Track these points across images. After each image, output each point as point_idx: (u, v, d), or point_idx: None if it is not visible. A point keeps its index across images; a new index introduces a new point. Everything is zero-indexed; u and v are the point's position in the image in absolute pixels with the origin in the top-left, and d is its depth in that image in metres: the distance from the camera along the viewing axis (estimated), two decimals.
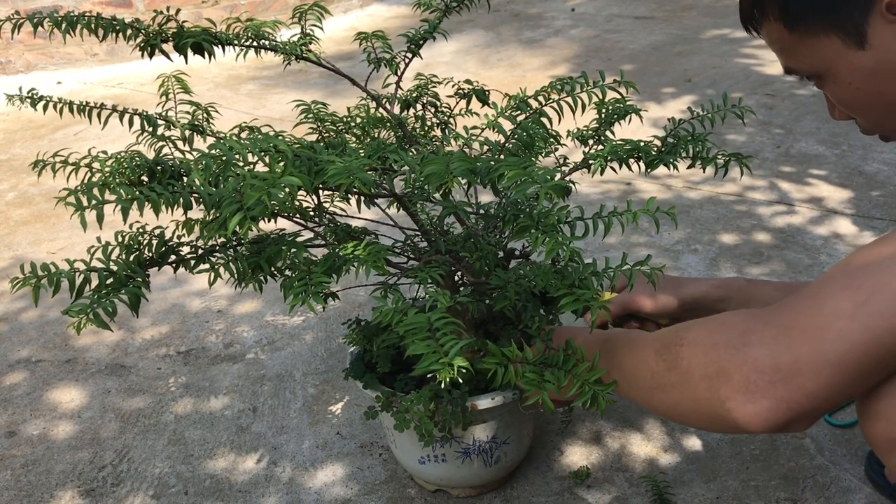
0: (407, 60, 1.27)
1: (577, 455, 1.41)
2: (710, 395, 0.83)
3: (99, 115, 1.17)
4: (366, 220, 1.25)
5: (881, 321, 0.75)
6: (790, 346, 0.78)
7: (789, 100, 3.03)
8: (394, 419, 1.16)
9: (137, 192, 0.92)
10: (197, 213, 0.98)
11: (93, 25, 1.02)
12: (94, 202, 0.91)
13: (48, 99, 1.16)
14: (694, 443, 1.42)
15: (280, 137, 0.98)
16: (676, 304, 1.25)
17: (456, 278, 1.21)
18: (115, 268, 1.00)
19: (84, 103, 1.18)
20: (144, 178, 1.05)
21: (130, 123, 1.18)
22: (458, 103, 1.31)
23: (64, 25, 1.01)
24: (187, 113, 1.21)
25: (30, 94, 1.15)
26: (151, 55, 1.05)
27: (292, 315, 1.90)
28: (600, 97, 1.14)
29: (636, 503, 1.31)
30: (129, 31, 1.03)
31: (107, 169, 1.02)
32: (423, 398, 1.13)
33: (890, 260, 0.77)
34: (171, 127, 1.19)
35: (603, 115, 1.23)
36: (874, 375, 0.79)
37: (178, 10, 1.07)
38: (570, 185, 1.02)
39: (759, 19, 0.95)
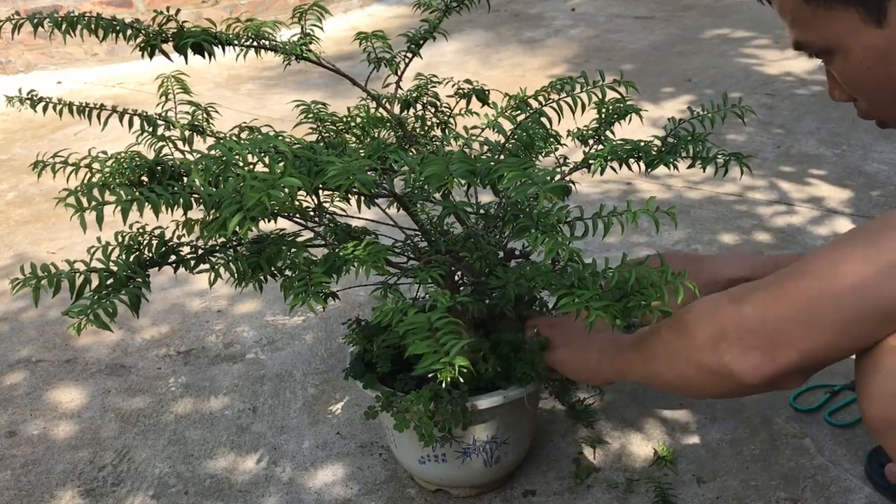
0: (407, 60, 1.27)
1: (577, 455, 1.41)
2: (710, 353, 0.91)
3: (98, 116, 1.17)
4: (366, 220, 1.25)
5: (845, 280, 0.82)
6: (775, 305, 0.87)
7: (789, 100, 3.03)
8: (394, 419, 1.16)
9: (137, 193, 0.92)
10: (197, 213, 0.98)
11: (93, 26, 1.02)
12: (93, 203, 0.91)
13: (48, 100, 1.16)
14: (694, 443, 1.42)
15: (280, 138, 0.98)
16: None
17: (456, 278, 1.21)
18: (115, 268, 1.00)
19: (84, 104, 1.17)
20: (144, 178, 1.05)
21: (130, 124, 1.18)
22: (457, 103, 1.31)
23: (64, 26, 1.00)
24: (187, 113, 1.21)
25: (29, 96, 1.15)
26: (151, 55, 1.05)
27: (292, 315, 1.90)
28: (600, 97, 1.14)
29: (636, 503, 1.31)
30: (129, 32, 1.03)
31: (107, 169, 1.02)
32: (423, 398, 1.13)
33: (866, 235, 0.84)
34: (171, 127, 1.19)
35: (603, 115, 1.22)
36: (850, 335, 0.84)
37: (178, 11, 1.07)
38: (570, 185, 1.02)
39: None
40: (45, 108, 1.15)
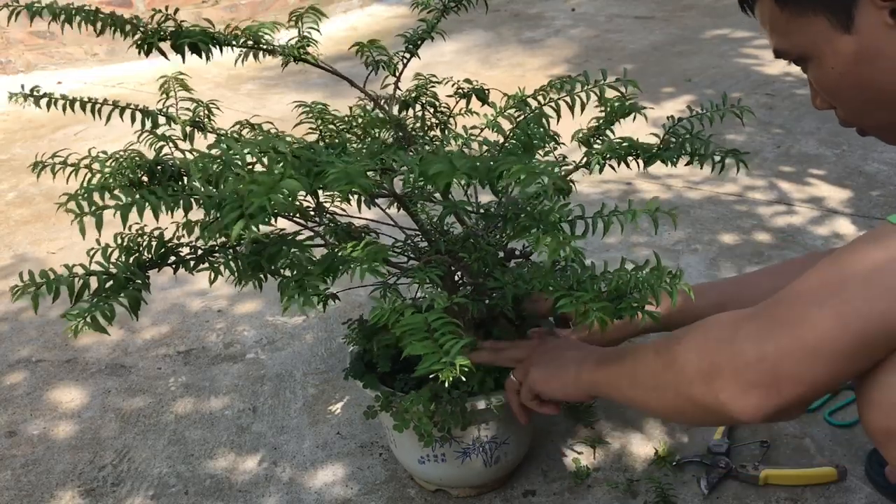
0: (405, 61, 1.27)
1: (577, 455, 1.41)
2: (704, 389, 0.86)
3: (100, 112, 1.17)
4: (366, 219, 1.25)
5: (851, 307, 0.79)
6: (773, 338, 0.82)
7: (789, 100, 3.03)
8: (393, 419, 1.16)
9: (137, 196, 0.92)
10: (197, 213, 0.98)
11: (91, 18, 1.01)
12: (93, 208, 0.91)
13: (49, 95, 1.15)
14: (694, 442, 1.42)
15: (279, 137, 0.98)
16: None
17: (456, 278, 1.21)
18: (114, 270, 0.99)
19: (85, 99, 1.17)
20: (144, 178, 1.04)
21: (132, 120, 1.18)
22: (457, 103, 1.30)
23: (62, 16, 1.00)
24: (188, 110, 1.21)
25: (32, 92, 1.14)
26: (148, 53, 1.04)
27: (292, 315, 1.90)
28: (599, 95, 1.14)
29: (636, 503, 1.31)
30: (127, 28, 1.03)
31: (106, 170, 1.02)
32: (423, 398, 1.12)
33: (862, 254, 0.81)
34: (172, 124, 1.19)
35: (605, 113, 1.22)
36: (857, 360, 0.81)
37: (176, 10, 1.06)
38: (571, 184, 1.02)
39: None
40: (48, 104, 1.15)
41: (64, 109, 1.14)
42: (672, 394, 0.92)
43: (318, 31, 1.15)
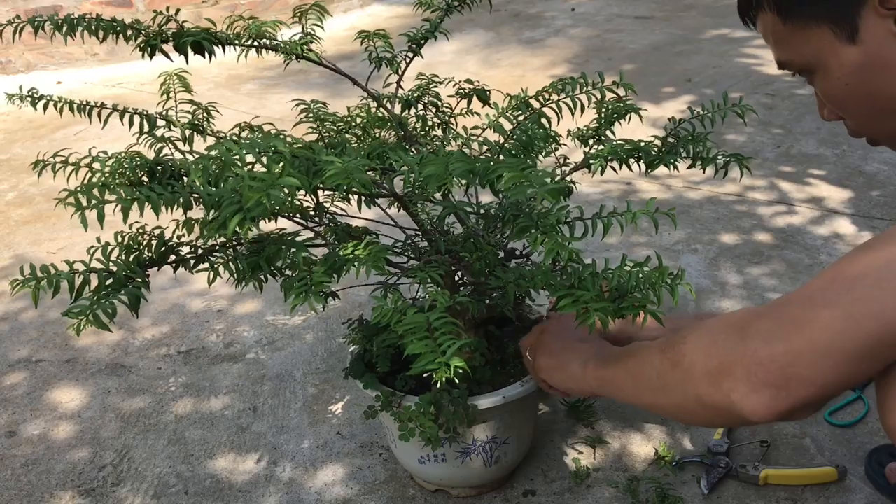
0: (408, 60, 1.27)
1: (577, 455, 1.41)
2: (713, 389, 0.86)
3: (99, 115, 1.17)
4: (366, 219, 1.25)
5: (863, 308, 0.77)
6: (784, 338, 0.81)
7: (789, 100, 3.03)
8: (395, 421, 1.16)
9: (137, 193, 0.92)
10: (197, 212, 0.98)
11: (93, 27, 1.02)
12: (94, 202, 0.91)
13: (48, 98, 1.15)
14: (694, 442, 1.42)
15: (279, 137, 0.98)
16: None
17: (456, 278, 1.21)
18: (114, 268, 0.99)
19: (84, 102, 1.17)
20: (145, 178, 1.05)
21: (130, 123, 1.18)
22: (458, 103, 1.30)
23: (65, 28, 1.00)
24: (188, 112, 1.21)
25: (30, 94, 1.14)
26: (152, 55, 1.04)
27: (292, 315, 1.90)
28: (599, 98, 1.14)
29: (636, 503, 1.31)
30: (129, 32, 1.03)
31: (107, 169, 1.02)
32: (424, 405, 1.13)
33: (875, 254, 0.79)
34: (172, 126, 1.19)
35: (603, 115, 1.22)
36: (869, 362, 0.80)
37: (177, 11, 1.07)
38: (571, 185, 1.02)
39: (755, 10, 0.95)
40: (45, 106, 1.15)
41: (61, 112, 1.14)
42: (679, 394, 0.91)
43: (322, 27, 1.15)
